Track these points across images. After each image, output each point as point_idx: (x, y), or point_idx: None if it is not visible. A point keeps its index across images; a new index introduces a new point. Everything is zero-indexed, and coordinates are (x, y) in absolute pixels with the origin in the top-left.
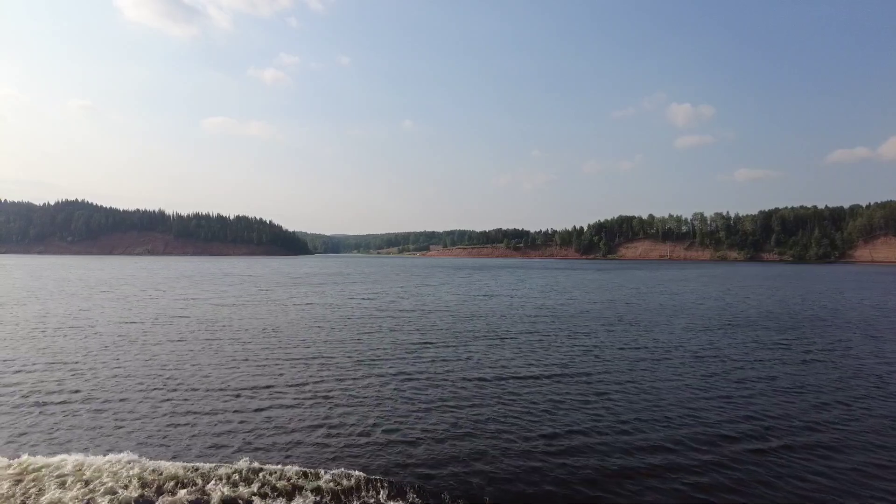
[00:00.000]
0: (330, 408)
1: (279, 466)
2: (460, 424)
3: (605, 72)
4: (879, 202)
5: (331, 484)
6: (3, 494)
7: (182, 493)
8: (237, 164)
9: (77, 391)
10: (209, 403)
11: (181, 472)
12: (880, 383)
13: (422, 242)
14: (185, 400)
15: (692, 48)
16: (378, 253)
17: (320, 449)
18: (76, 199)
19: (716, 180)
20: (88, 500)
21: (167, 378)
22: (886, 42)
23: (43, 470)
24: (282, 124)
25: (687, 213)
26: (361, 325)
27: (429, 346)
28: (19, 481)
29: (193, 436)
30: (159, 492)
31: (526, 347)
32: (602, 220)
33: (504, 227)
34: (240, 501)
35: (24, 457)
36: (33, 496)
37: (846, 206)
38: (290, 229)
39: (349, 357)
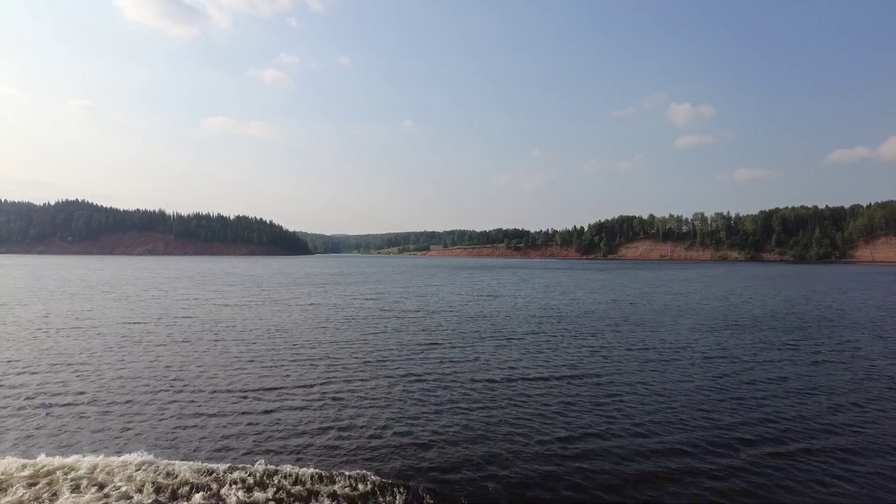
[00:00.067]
0: (339, 409)
1: (294, 469)
2: (472, 427)
3: (605, 72)
4: (880, 202)
5: (346, 489)
6: (17, 497)
7: (197, 497)
8: (237, 164)
9: (82, 392)
10: (216, 405)
11: (195, 475)
12: (893, 385)
13: (422, 242)
14: (192, 401)
15: (692, 48)
16: (378, 253)
17: (332, 451)
18: (76, 199)
19: (716, 180)
20: None
21: (173, 379)
22: (886, 42)
23: (58, 472)
24: (282, 124)
25: (687, 213)
26: (366, 325)
27: (435, 346)
28: (33, 484)
29: (203, 438)
30: (174, 496)
31: (533, 348)
32: (602, 220)
33: (504, 227)
34: None
35: (41, 457)
36: (47, 501)
37: (847, 206)
38: (291, 229)
39: (356, 358)
